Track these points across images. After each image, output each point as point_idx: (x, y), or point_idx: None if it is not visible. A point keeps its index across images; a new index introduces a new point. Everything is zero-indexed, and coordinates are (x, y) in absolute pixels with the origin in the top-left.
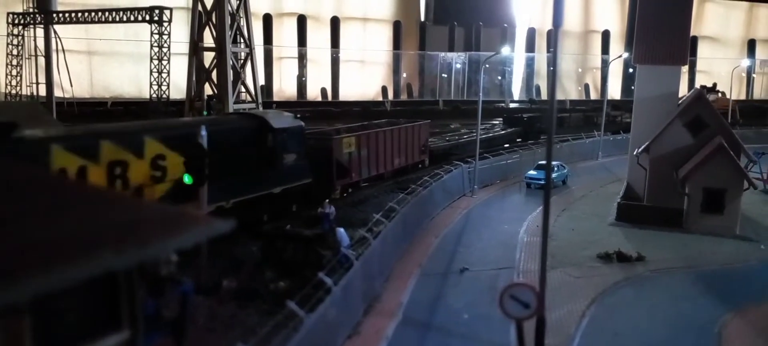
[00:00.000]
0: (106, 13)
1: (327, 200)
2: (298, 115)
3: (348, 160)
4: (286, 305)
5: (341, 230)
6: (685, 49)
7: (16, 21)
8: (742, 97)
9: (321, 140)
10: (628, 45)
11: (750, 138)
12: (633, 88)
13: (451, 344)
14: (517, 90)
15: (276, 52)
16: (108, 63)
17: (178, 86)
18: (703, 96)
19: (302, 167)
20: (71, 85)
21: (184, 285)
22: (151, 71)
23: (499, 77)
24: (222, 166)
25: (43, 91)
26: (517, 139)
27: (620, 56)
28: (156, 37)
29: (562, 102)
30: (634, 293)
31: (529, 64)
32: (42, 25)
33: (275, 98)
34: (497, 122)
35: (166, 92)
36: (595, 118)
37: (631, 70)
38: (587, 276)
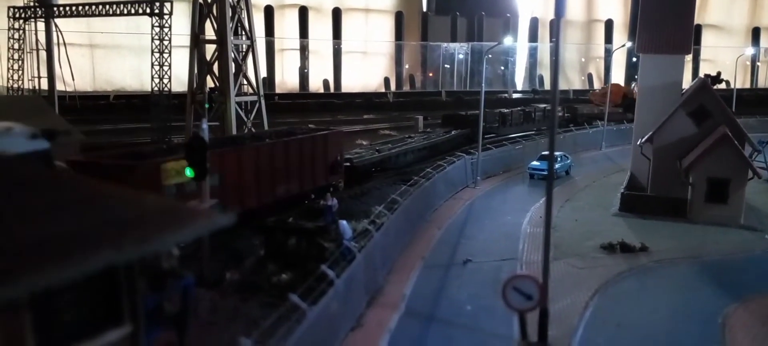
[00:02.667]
0: (107, 6)
1: (328, 192)
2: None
3: (176, 196)
4: (288, 298)
5: (344, 222)
6: (688, 38)
7: (18, 15)
8: (747, 85)
9: (116, 169)
10: (632, 34)
11: (754, 127)
12: (636, 77)
13: (455, 336)
14: (520, 80)
15: (278, 44)
16: (110, 56)
17: (179, 79)
18: (706, 85)
19: None
20: (73, 79)
21: (186, 279)
22: (152, 64)
23: (502, 67)
24: None
25: (45, 85)
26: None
27: (624, 46)
28: (157, 30)
29: (565, 92)
30: (638, 284)
31: (532, 54)
32: (43, 19)
33: (277, 90)
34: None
35: (168, 85)
36: (533, 113)
37: (634, 59)
38: (590, 267)
